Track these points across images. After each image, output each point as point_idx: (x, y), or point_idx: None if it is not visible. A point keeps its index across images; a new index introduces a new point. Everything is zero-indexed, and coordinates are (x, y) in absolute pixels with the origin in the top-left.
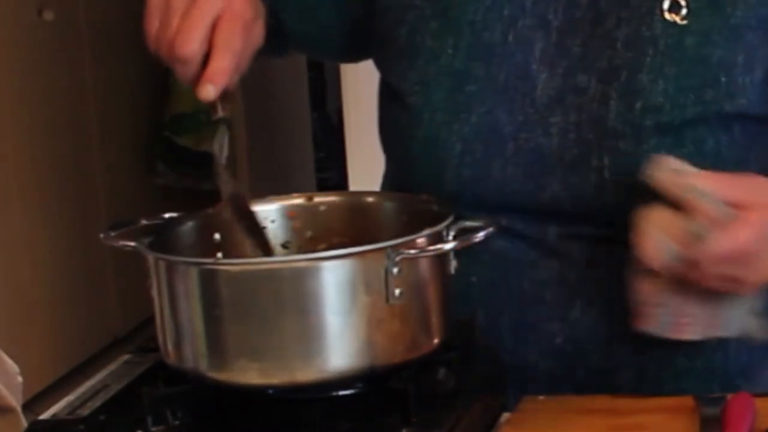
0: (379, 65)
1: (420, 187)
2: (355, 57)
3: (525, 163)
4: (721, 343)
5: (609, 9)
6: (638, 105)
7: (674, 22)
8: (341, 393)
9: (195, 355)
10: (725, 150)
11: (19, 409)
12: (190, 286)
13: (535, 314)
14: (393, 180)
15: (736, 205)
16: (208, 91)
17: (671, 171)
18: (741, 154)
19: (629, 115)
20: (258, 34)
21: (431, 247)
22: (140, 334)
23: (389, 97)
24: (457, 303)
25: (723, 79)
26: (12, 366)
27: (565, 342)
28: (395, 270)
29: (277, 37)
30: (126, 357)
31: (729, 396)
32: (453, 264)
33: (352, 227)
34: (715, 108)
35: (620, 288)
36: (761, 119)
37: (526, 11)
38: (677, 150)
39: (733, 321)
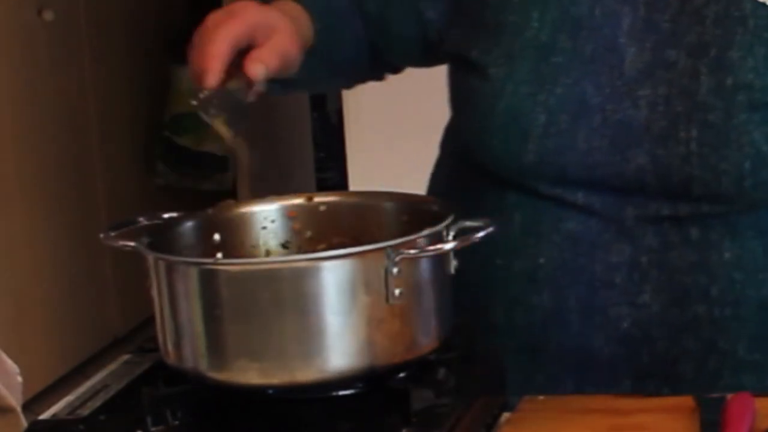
0: (456, 44)
1: (498, 160)
2: (433, 61)
3: (611, 134)
4: None
5: None
6: (729, 81)
7: (764, 3)
8: (341, 393)
9: (195, 355)
10: None
11: (19, 409)
12: (190, 286)
13: (603, 298)
14: (455, 163)
15: None
16: (258, 69)
17: None
18: None
19: (720, 90)
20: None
21: (431, 247)
22: (140, 334)
23: (466, 70)
24: (524, 284)
25: None
26: (12, 366)
27: (632, 327)
28: (395, 270)
29: (377, 60)
30: (126, 357)
31: (729, 396)
32: (453, 264)
33: (352, 227)
34: None
35: (691, 275)
36: None
37: None
38: (765, 127)
39: None
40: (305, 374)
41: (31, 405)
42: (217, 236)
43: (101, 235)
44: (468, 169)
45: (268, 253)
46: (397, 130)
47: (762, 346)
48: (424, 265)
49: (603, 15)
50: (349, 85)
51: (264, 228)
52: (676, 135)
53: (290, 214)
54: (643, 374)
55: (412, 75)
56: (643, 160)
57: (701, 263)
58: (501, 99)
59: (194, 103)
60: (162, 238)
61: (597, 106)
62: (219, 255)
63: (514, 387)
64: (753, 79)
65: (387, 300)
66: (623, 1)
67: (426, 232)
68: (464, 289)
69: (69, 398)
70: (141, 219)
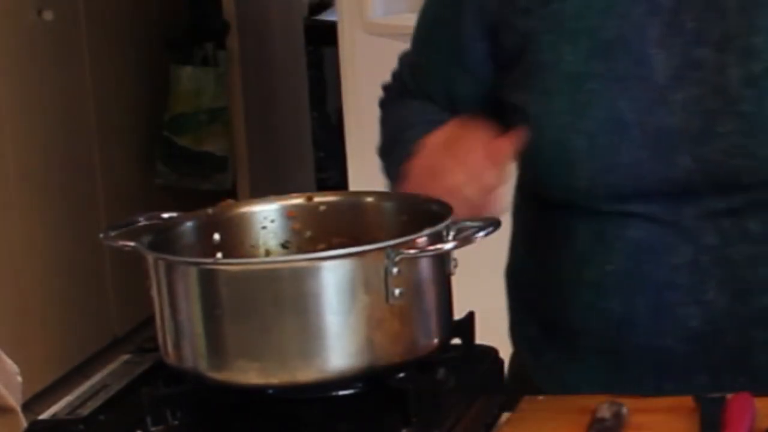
0: (502, 93)
1: (553, 188)
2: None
3: (652, 144)
4: None
5: None
6: (757, 68)
7: None
8: (341, 393)
9: (195, 355)
10: None
11: (19, 409)
12: (190, 286)
13: (670, 299)
14: (527, 187)
15: None
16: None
17: None
18: None
19: (750, 79)
20: None
21: (431, 247)
22: (140, 334)
23: (512, 114)
24: (594, 291)
25: None
26: (12, 366)
27: (702, 324)
28: (395, 270)
29: None
30: (126, 357)
31: (729, 396)
32: (453, 264)
33: (352, 227)
34: None
35: (753, 267)
36: None
37: (637, 1)
38: None
39: None
40: (305, 374)
41: (31, 405)
42: (217, 236)
43: (101, 235)
44: (530, 198)
45: (268, 253)
46: None
47: None
48: (424, 265)
49: (631, 31)
50: None
51: (264, 228)
52: (714, 131)
53: (290, 214)
54: (718, 369)
55: None
56: (687, 161)
57: (761, 255)
58: (542, 134)
59: None
60: (162, 238)
61: (634, 120)
62: (219, 255)
63: (597, 386)
64: None
65: (387, 300)
66: (649, 12)
67: (426, 232)
68: (539, 294)
69: (69, 398)
70: (141, 219)
